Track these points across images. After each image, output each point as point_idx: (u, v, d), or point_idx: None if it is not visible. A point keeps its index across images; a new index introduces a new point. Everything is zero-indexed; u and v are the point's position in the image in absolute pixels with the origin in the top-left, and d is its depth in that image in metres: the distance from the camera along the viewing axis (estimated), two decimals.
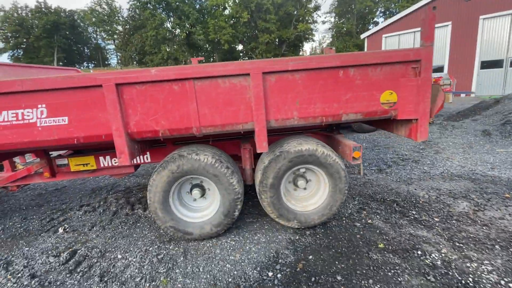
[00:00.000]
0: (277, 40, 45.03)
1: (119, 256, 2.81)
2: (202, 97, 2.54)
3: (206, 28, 41.57)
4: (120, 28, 52.28)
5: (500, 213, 3.11)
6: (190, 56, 46.85)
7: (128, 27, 49.19)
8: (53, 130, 2.51)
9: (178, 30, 44.66)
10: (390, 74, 2.63)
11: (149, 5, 42.37)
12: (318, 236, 2.94)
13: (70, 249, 2.98)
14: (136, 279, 2.45)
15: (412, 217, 3.13)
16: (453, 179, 4.06)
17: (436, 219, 3.05)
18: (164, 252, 2.83)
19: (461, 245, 2.60)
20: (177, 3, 41.18)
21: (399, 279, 2.23)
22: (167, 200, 2.86)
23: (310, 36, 47.77)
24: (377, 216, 3.21)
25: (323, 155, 2.82)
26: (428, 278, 2.21)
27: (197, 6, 44.74)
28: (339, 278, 2.31)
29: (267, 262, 2.59)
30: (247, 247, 2.82)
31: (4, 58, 45.16)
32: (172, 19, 43.82)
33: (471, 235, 2.73)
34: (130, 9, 46.78)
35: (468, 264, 2.33)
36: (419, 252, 2.53)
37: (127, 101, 2.50)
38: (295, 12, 44.89)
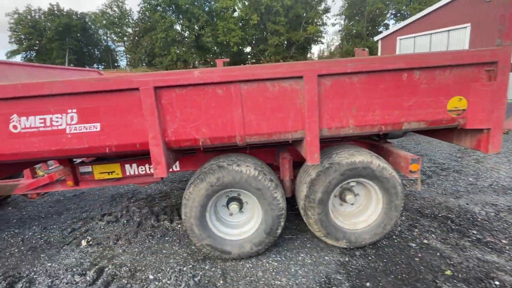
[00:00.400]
0: (286, 42, 44.84)
1: (151, 277, 2.54)
2: (248, 102, 2.27)
3: (215, 30, 41.57)
4: (130, 30, 52.75)
5: None
6: (198, 58, 46.99)
7: (138, 29, 49.58)
8: (83, 137, 2.27)
9: (187, 33, 44.81)
10: (460, 78, 2.32)
11: (159, 7, 42.63)
12: (370, 258, 2.63)
13: (97, 266, 2.73)
14: None
15: (474, 238, 2.80)
16: (507, 193, 3.70)
17: (503, 241, 2.71)
18: (200, 273, 2.55)
19: None
20: (186, 6, 41.30)
21: None
22: (204, 215, 2.59)
23: (319, 39, 47.48)
24: (433, 235, 2.89)
25: (379, 168, 2.52)
26: None
27: (207, 9, 44.84)
28: None
29: None
30: (293, 270, 2.53)
31: (17, 59, 45.94)
32: (181, 21, 43.97)
33: None
34: (140, 12, 47.19)
35: None
36: (497, 283, 2.20)
37: (165, 106, 2.25)
38: (304, 15, 44.64)
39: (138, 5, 43.93)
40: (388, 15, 48.31)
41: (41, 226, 3.68)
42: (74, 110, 2.23)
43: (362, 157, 2.53)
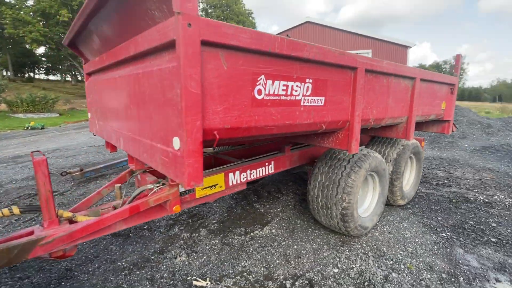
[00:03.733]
0: None
1: (336, 270, 2.57)
2: (394, 92, 2.95)
3: (1, 19, 30.43)
4: None
5: None
6: None
7: None
8: (311, 112, 2.17)
9: None
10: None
11: None
12: (417, 206, 3.92)
13: None
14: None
15: (440, 182, 4.77)
16: None
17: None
18: (369, 253, 2.86)
19: None
20: None
21: None
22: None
23: None
24: (424, 185, 4.61)
25: (419, 145, 3.90)
26: None
27: None
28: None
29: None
30: (401, 226, 3.38)
31: None
32: None
33: None
34: None
35: None
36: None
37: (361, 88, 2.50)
38: None
39: None
40: None
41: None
42: (311, 80, 2.09)
43: (413, 140, 3.81)
